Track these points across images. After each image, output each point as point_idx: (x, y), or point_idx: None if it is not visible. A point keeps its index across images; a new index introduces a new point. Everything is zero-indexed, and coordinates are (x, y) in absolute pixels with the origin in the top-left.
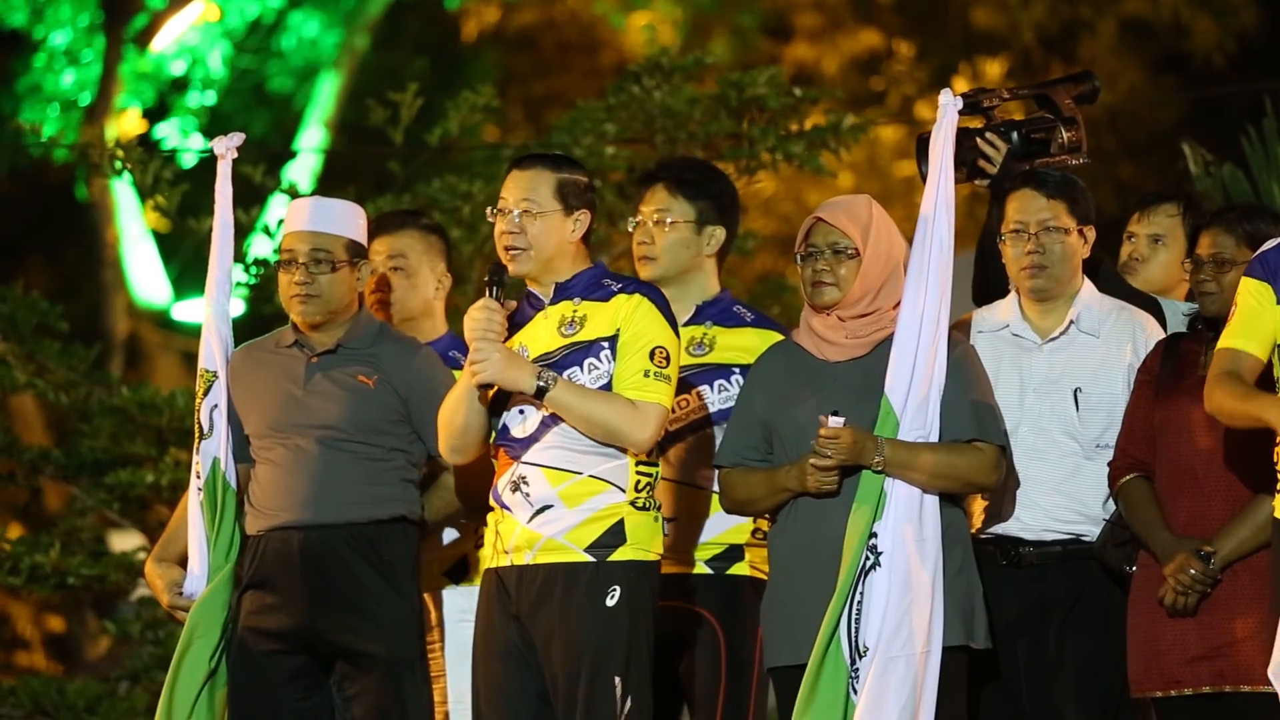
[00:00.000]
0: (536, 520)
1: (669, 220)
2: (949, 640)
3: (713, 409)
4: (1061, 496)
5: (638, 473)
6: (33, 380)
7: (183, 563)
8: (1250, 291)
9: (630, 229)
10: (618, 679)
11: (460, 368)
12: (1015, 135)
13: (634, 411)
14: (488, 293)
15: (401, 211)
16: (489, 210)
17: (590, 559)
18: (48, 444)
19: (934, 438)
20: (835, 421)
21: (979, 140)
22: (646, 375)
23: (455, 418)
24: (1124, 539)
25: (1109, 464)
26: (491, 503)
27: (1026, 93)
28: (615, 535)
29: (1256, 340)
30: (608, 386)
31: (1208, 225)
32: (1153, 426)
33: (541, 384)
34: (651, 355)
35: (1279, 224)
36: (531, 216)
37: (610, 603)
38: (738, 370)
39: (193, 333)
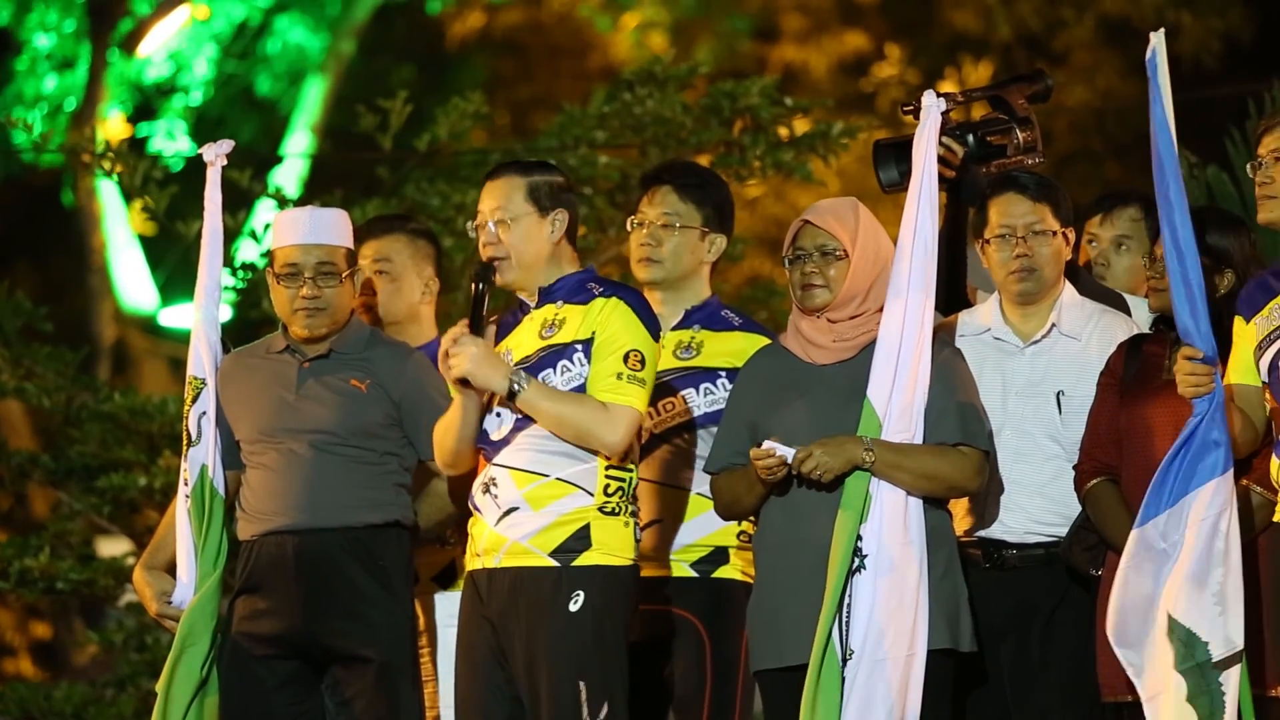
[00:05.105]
0: (503, 523)
1: (677, 225)
2: (934, 643)
3: (697, 412)
4: (1044, 499)
5: (608, 477)
6: (21, 385)
7: (171, 570)
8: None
9: (629, 229)
10: (582, 684)
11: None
12: (971, 138)
13: (605, 413)
14: (473, 288)
15: (390, 216)
16: (469, 225)
17: (554, 564)
18: (35, 449)
19: (918, 441)
20: (771, 447)
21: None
22: (619, 378)
23: (449, 433)
24: (1091, 543)
25: (1074, 467)
26: (469, 505)
27: (979, 95)
28: (580, 540)
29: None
30: (581, 389)
31: None
32: (1118, 430)
33: (515, 386)
34: (625, 358)
35: (1234, 231)
36: (506, 225)
37: (574, 608)
38: (724, 374)
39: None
